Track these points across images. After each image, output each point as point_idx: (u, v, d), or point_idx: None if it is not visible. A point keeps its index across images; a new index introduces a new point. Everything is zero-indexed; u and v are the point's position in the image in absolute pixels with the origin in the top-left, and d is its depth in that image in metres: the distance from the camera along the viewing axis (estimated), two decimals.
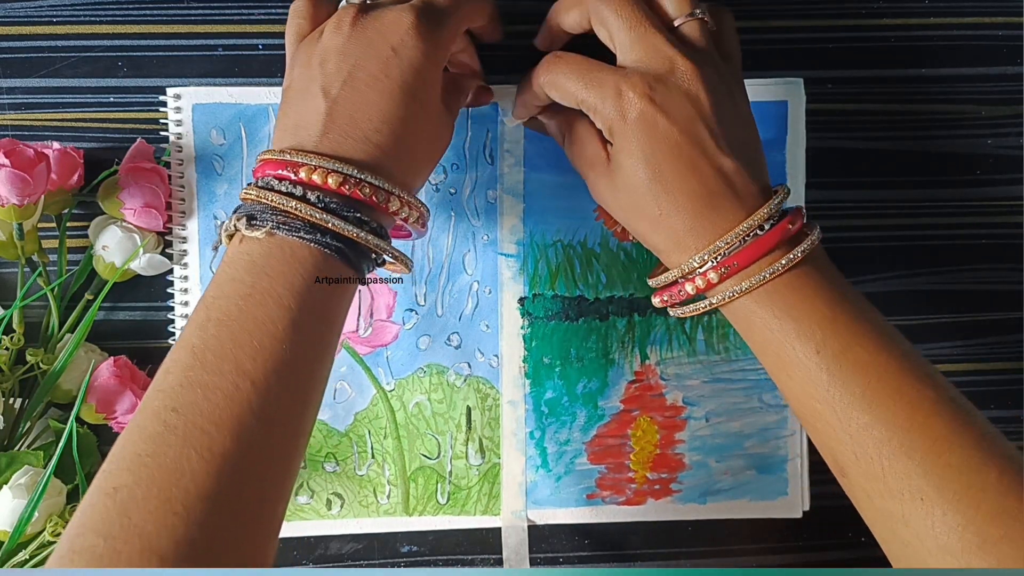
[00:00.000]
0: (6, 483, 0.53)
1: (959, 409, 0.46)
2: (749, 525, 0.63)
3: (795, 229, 0.49)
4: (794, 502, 0.63)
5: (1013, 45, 0.64)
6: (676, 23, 0.52)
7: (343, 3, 0.52)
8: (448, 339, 0.61)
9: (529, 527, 0.62)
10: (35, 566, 0.54)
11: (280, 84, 0.59)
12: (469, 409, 0.61)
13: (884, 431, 0.46)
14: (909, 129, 0.64)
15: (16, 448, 0.56)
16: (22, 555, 0.54)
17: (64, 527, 0.54)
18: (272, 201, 0.46)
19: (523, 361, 0.61)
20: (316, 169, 0.46)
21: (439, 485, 0.61)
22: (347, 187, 0.46)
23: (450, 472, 0.61)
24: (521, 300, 0.61)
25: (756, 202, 0.49)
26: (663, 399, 0.62)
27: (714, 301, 0.50)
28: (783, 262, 0.48)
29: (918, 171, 0.64)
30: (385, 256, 0.49)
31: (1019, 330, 0.65)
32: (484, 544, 0.62)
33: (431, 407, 0.61)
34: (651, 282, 0.53)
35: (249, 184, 0.48)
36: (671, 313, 0.53)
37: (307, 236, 0.45)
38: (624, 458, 0.62)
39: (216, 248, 0.52)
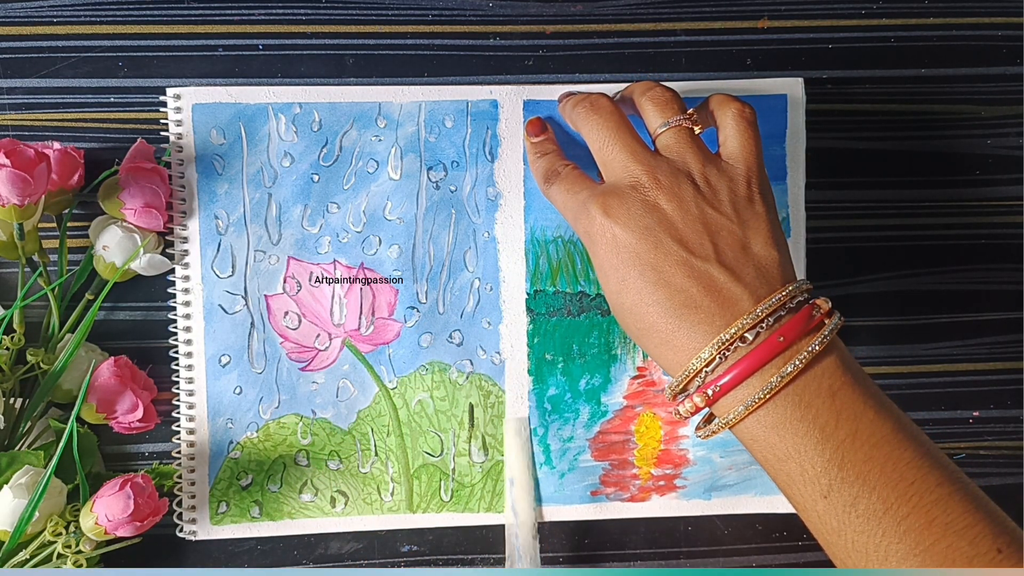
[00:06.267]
0: (6, 483, 0.53)
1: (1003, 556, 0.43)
2: (749, 524, 0.63)
3: (787, 342, 0.46)
4: None
5: (1013, 45, 0.64)
6: (655, 133, 0.52)
7: None
8: (450, 336, 0.61)
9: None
10: (35, 566, 0.54)
11: (279, 83, 0.60)
12: (471, 406, 0.61)
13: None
14: (909, 129, 0.64)
15: (16, 448, 0.56)
16: (22, 555, 0.54)
17: (64, 527, 0.54)
18: None
19: (525, 358, 0.61)
20: None
21: (442, 482, 0.61)
22: None
23: (453, 469, 0.61)
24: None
25: (745, 308, 0.47)
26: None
27: (714, 427, 0.48)
28: (760, 394, 0.45)
29: (918, 171, 0.64)
30: None
31: (1019, 330, 0.65)
32: (484, 543, 0.62)
33: (433, 404, 0.61)
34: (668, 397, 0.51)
35: None
36: (695, 433, 0.51)
37: None
38: (628, 454, 0.62)
39: None
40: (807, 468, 0.45)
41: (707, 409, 0.48)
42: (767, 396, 0.45)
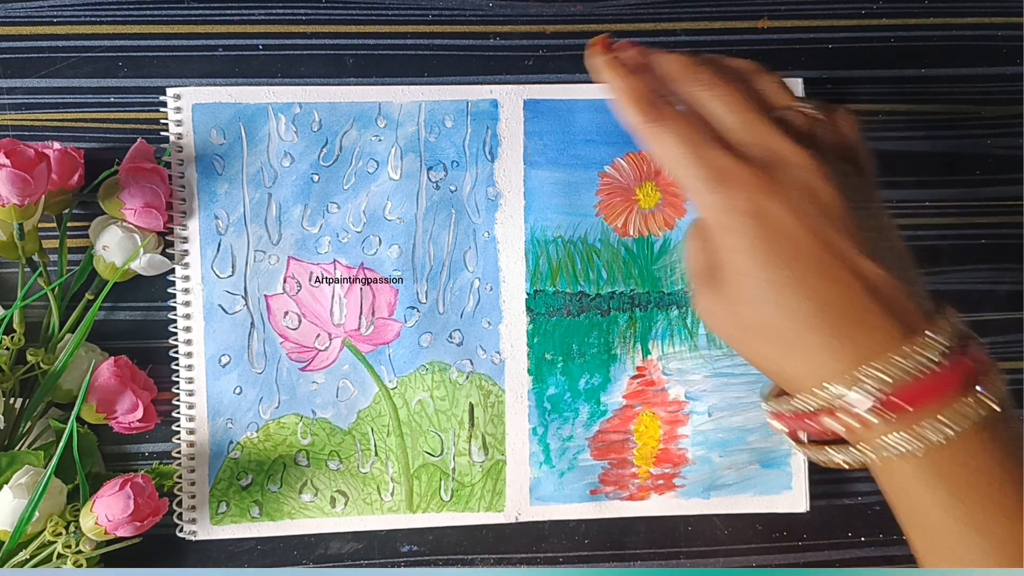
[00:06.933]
0: (6, 483, 0.53)
1: None
2: (749, 524, 0.63)
3: (975, 367, 0.39)
4: (798, 496, 0.62)
5: (1013, 45, 0.64)
6: (779, 113, 0.45)
7: None
8: (450, 336, 0.61)
9: (531, 524, 0.62)
10: (35, 566, 0.54)
11: (279, 83, 0.60)
12: (471, 406, 0.61)
13: None
14: (909, 129, 0.64)
15: (16, 448, 0.56)
16: (22, 555, 0.54)
17: (64, 527, 0.54)
18: None
19: (525, 357, 0.61)
20: None
21: (442, 482, 0.61)
22: None
23: (453, 469, 0.61)
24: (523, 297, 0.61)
25: (919, 324, 0.40)
26: (665, 394, 0.62)
27: (865, 458, 0.41)
28: (964, 417, 0.39)
29: (918, 171, 0.64)
30: None
31: (1019, 330, 0.65)
32: (484, 543, 0.62)
33: (434, 404, 0.61)
34: (766, 405, 0.45)
35: None
36: (795, 449, 0.45)
37: None
38: (627, 453, 0.62)
39: None
40: (978, 520, 0.40)
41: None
42: (978, 424, 0.39)
